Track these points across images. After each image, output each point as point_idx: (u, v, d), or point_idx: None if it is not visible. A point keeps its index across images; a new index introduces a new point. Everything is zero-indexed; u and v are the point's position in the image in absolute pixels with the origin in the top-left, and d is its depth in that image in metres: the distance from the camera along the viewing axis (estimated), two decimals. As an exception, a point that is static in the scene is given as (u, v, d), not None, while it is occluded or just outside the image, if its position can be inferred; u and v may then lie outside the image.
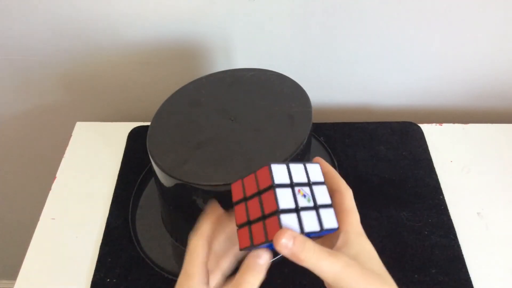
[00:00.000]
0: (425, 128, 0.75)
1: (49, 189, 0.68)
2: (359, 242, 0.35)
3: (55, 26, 0.70)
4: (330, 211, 0.35)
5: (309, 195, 0.34)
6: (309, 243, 0.32)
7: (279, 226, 0.31)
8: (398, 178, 0.67)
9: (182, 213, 0.56)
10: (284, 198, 0.33)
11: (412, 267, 0.57)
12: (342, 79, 0.78)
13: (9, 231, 1.18)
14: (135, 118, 0.82)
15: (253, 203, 0.35)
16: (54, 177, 0.69)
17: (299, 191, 0.34)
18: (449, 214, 0.63)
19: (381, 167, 0.69)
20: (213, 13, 0.68)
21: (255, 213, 0.34)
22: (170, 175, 0.49)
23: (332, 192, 0.37)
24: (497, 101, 0.81)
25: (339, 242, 0.35)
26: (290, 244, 0.31)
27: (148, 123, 0.56)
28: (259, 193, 0.34)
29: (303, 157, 0.52)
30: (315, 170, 0.37)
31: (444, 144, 0.73)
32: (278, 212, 0.32)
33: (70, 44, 0.73)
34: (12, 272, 1.12)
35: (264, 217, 0.33)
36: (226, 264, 0.38)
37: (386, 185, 0.66)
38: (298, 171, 0.35)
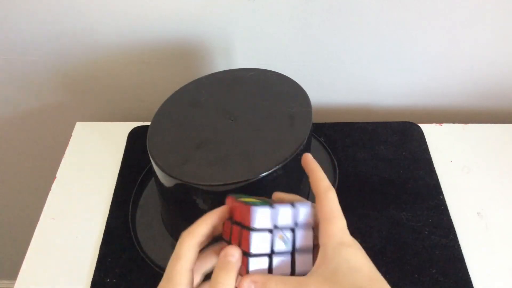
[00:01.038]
0: (425, 128, 0.75)
1: (49, 189, 0.68)
2: (338, 254, 0.32)
3: (55, 26, 0.70)
4: (309, 256, 0.33)
5: (289, 239, 0.33)
6: (271, 281, 0.31)
7: (246, 269, 0.32)
8: (398, 178, 0.67)
9: (182, 213, 0.56)
10: (258, 244, 0.32)
11: (412, 267, 0.57)
12: (342, 79, 0.78)
13: (9, 231, 1.18)
14: (135, 118, 0.82)
15: (236, 230, 0.34)
16: (54, 177, 0.69)
17: (279, 236, 0.33)
18: (449, 214, 0.63)
19: (381, 167, 0.69)
20: (213, 13, 0.68)
21: (235, 240, 0.34)
22: (170, 175, 0.49)
23: (315, 197, 0.35)
24: (497, 101, 0.81)
25: (318, 259, 0.32)
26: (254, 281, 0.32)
27: (148, 123, 0.56)
28: (242, 225, 0.34)
29: (303, 157, 0.52)
30: (304, 211, 0.34)
31: (444, 144, 0.73)
32: (249, 255, 0.32)
33: (70, 44, 0.73)
34: (12, 272, 1.12)
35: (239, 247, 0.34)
36: (209, 265, 0.36)
37: (386, 185, 0.66)
38: (283, 214, 0.33)
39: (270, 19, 0.69)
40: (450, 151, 0.72)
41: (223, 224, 0.36)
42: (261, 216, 0.33)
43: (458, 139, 0.74)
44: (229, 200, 0.37)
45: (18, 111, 0.85)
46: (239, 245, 0.33)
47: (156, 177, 0.54)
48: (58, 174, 0.70)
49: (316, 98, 0.80)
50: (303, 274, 0.32)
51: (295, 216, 0.34)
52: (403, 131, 0.74)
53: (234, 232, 0.34)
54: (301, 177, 0.55)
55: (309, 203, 0.35)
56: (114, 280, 0.57)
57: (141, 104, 0.83)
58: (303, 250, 0.33)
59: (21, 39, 0.72)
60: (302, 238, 0.33)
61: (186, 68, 0.77)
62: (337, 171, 0.67)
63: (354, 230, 0.60)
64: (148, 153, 0.52)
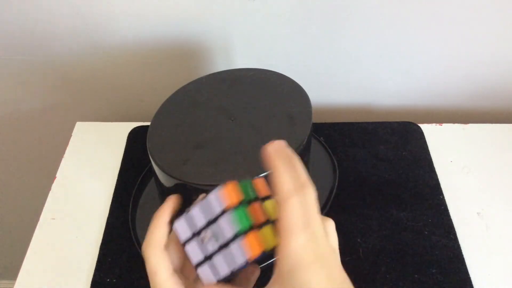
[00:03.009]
0: (425, 128, 0.75)
1: (49, 189, 0.68)
2: (292, 278, 0.27)
3: (55, 26, 0.70)
4: (237, 243, 0.31)
5: (216, 233, 0.32)
6: None
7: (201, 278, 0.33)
8: (398, 178, 0.67)
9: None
10: (194, 253, 0.33)
11: (412, 267, 0.57)
12: (342, 79, 0.78)
13: (9, 231, 1.18)
14: (135, 118, 0.82)
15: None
16: (54, 177, 0.69)
17: (205, 237, 0.32)
18: (449, 214, 0.63)
19: (381, 167, 0.69)
20: (213, 13, 0.68)
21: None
22: (170, 175, 0.49)
23: None
24: (497, 101, 0.81)
25: (272, 278, 0.29)
26: None
27: (148, 123, 0.56)
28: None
29: (303, 157, 0.52)
30: (217, 199, 0.32)
31: (444, 144, 0.73)
32: (195, 267, 0.33)
33: (70, 44, 0.73)
34: (12, 272, 1.12)
35: None
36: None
37: (386, 185, 0.66)
38: (199, 213, 0.33)
39: (270, 19, 0.69)
40: (450, 151, 0.72)
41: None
42: (180, 229, 0.33)
43: (458, 139, 0.74)
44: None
45: (18, 111, 0.85)
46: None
47: (156, 177, 0.54)
48: (58, 174, 0.70)
49: (316, 98, 0.80)
50: (251, 257, 0.31)
51: (210, 208, 0.32)
52: (403, 131, 0.74)
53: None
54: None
55: (216, 190, 0.32)
56: (114, 280, 0.57)
57: (141, 104, 0.83)
58: (232, 239, 0.31)
59: (21, 39, 0.72)
60: (226, 225, 0.31)
61: (186, 68, 0.77)
62: (337, 171, 0.67)
63: (354, 230, 0.61)
64: (148, 153, 0.52)
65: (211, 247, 0.32)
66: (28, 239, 0.62)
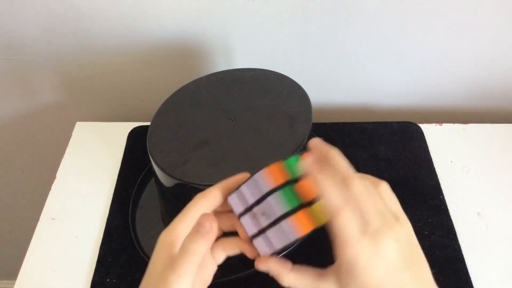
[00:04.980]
0: (425, 128, 0.75)
1: (49, 189, 0.68)
2: (350, 271, 0.29)
3: (55, 26, 0.70)
4: (288, 220, 0.32)
5: (266, 211, 0.33)
6: (289, 278, 0.33)
7: (256, 249, 0.34)
8: (398, 178, 0.67)
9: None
10: (248, 226, 0.34)
11: (412, 267, 0.57)
12: (342, 79, 0.78)
13: (9, 231, 1.18)
14: (135, 118, 0.82)
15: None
16: (54, 177, 0.69)
17: (256, 213, 0.33)
18: (449, 214, 0.63)
19: (381, 167, 0.69)
20: (213, 13, 0.68)
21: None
22: (170, 175, 0.49)
23: None
24: (497, 101, 0.81)
25: (335, 263, 0.31)
26: (267, 269, 0.33)
27: (148, 123, 0.56)
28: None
29: (303, 157, 0.52)
30: (264, 179, 0.33)
31: (444, 144, 0.73)
32: (250, 239, 0.34)
33: (70, 44, 0.73)
34: (12, 272, 1.12)
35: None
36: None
37: (386, 185, 0.66)
38: (250, 189, 0.33)
39: (270, 19, 0.69)
40: (450, 151, 0.72)
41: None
42: (234, 201, 0.34)
43: (458, 139, 0.74)
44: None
45: (18, 111, 0.85)
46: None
47: (156, 177, 0.54)
48: (58, 174, 0.70)
49: (316, 98, 0.80)
50: (302, 234, 0.32)
51: (259, 186, 0.33)
52: (403, 131, 0.74)
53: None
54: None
55: (262, 171, 0.33)
56: (114, 280, 0.57)
57: (141, 104, 0.83)
58: (283, 216, 0.32)
59: (21, 39, 0.72)
60: (276, 203, 0.32)
61: (186, 68, 0.77)
62: (337, 171, 0.66)
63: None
64: (148, 153, 0.52)
65: (263, 222, 0.33)
66: (28, 239, 0.62)
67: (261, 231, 0.33)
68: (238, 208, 0.34)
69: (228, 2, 0.66)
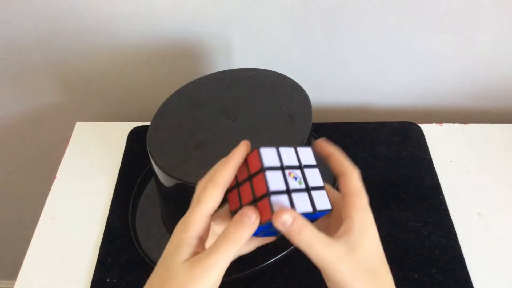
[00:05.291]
0: (425, 128, 0.75)
1: (49, 189, 0.68)
2: (361, 230, 0.33)
3: (55, 26, 0.70)
4: (323, 193, 0.35)
5: (300, 177, 0.34)
6: (308, 227, 0.31)
7: (270, 207, 0.32)
8: (398, 178, 0.67)
9: (182, 213, 0.56)
10: (274, 181, 0.33)
11: (412, 267, 0.57)
12: (342, 79, 0.78)
13: (9, 231, 1.18)
14: (135, 118, 0.82)
15: (245, 188, 0.35)
16: (54, 177, 0.69)
17: (289, 173, 0.34)
18: (449, 214, 0.63)
19: (381, 167, 0.69)
20: (213, 13, 0.68)
21: (247, 198, 0.34)
22: (170, 175, 0.49)
23: (338, 176, 0.37)
24: (497, 101, 0.81)
25: (342, 228, 0.34)
26: (289, 222, 0.31)
27: (148, 123, 0.56)
28: (250, 177, 0.34)
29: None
30: (307, 153, 0.36)
31: (444, 144, 0.73)
32: (268, 194, 0.32)
33: (70, 44, 0.73)
34: (12, 272, 1.12)
35: (255, 201, 0.33)
36: (221, 227, 0.36)
37: (386, 185, 0.66)
38: (289, 154, 0.35)
39: (270, 19, 0.69)
40: (450, 151, 0.72)
41: (228, 197, 0.36)
42: (269, 155, 0.34)
43: (458, 139, 0.74)
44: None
45: (18, 111, 0.85)
46: (254, 196, 0.33)
47: (156, 177, 0.54)
48: (58, 174, 0.70)
49: (316, 98, 0.80)
50: (324, 212, 0.34)
51: (299, 156, 0.35)
52: (403, 131, 0.74)
53: (243, 192, 0.35)
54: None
55: (308, 147, 0.37)
56: (114, 280, 0.57)
57: (141, 104, 0.83)
58: (317, 188, 0.34)
59: (21, 39, 0.72)
60: (312, 176, 0.35)
61: (186, 68, 0.77)
62: (337, 171, 0.66)
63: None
64: (148, 153, 0.52)
65: (293, 184, 0.33)
66: (28, 239, 0.62)
67: (287, 191, 0.33)
68: (268, 161, 0.34)
69: (228, 2, 0.66)
